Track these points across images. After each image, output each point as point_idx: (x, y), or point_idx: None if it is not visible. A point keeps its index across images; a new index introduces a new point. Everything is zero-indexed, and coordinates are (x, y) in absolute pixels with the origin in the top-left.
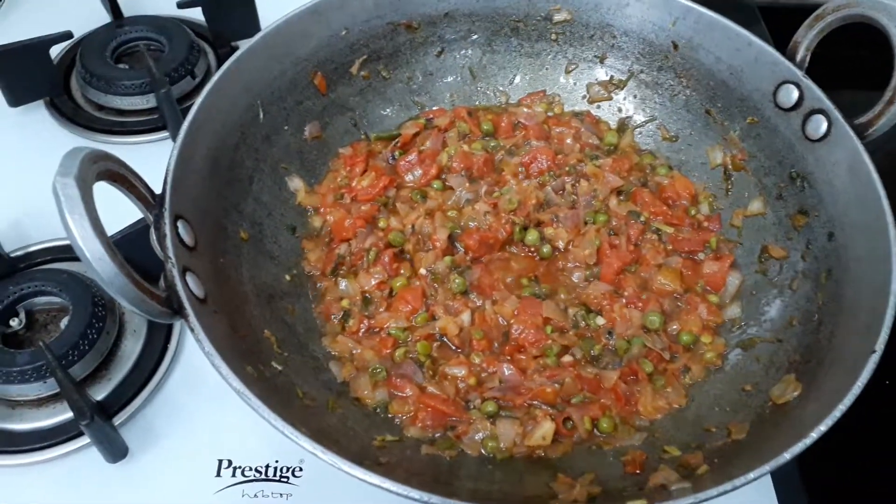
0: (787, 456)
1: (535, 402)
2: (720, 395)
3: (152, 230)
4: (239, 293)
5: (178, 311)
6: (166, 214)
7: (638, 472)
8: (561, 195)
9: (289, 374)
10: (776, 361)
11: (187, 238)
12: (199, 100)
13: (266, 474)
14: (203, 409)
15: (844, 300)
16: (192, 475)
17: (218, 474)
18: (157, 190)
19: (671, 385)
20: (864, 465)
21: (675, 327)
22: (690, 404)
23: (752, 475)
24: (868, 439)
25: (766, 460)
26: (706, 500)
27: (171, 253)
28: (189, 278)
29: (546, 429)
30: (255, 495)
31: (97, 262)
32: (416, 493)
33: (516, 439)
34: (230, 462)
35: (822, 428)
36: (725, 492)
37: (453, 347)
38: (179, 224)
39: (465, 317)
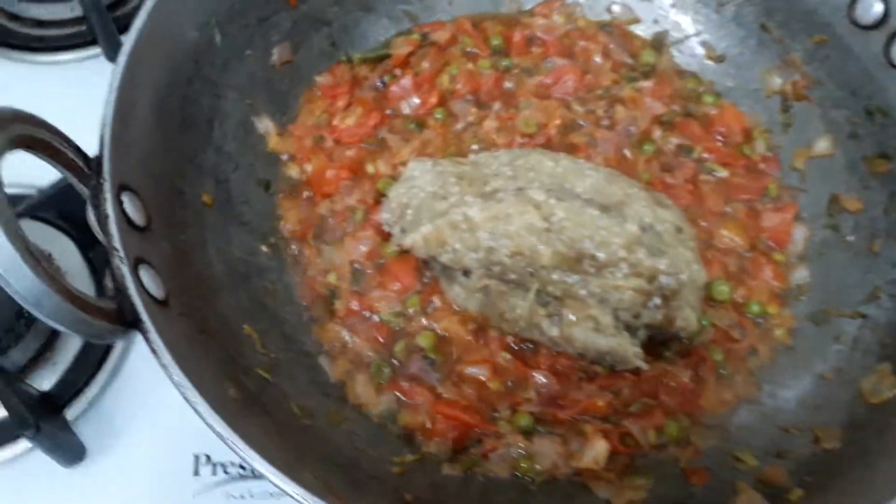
0: None
1: (584, 417)
2: (795, 384)
3: (89, 208)
4: (207, 279)
5: (134, 324)
6: (107, 186)
7: (705, 481)
8: (592, 121)
9: (279, 384)
10: (862, 343)
11: (136, 216)
12: (136, 25)
13: (254, 471)
14: (172, 394)
15: None
16: (164, 475)
17: (196, 473)
18: (92, 151)
19: (739, 371)
20: None
21: (739, 297)
22: (761, 395)
23: None
24: None
25: (885, 490)
26: None
27: (117, 242)
28: (143, 273)
29: (599, 450)
30: (242, 496)
31: (16, 278)
32: None
33: (558, 460)
34: (209, 458)
35: None
36: None
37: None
38: (125, 197)
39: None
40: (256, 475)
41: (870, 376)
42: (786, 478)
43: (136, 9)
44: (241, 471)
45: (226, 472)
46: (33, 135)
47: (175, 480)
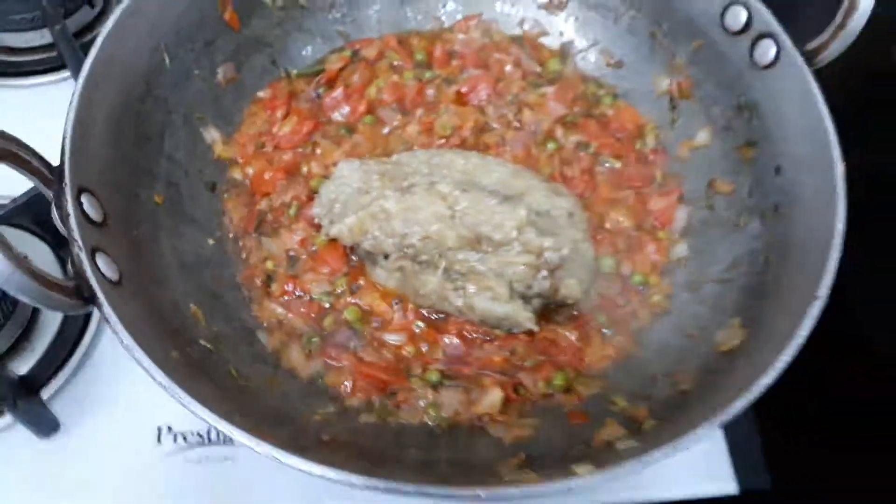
0: (733, 411)
1: (485, 372)
2: (666, 341)
3: (53, 208)
4: (159, 267)
5: (91, 300)
6: (67, 190)
7: (584, 421)
8: (503, 123)
9: (220, 351)
10: (722, 304)
11: (94, 213)
12: (92, 52)
13: (209, 438)
14: (137, 375)
15: (791, 239)
16: (130, 445)
17: (158, 441)
18: (55, 160)
19: (621, 333)
20: (816, 403)
21: (624, 270)
22: (638, 352)
23: (699, 431)
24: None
25: (712, 415)
26: (653, 462)
27: (76, 234)
28: (100, 259)
29: (494, 398)
30: (199, 461)
31: None
32: (356, 479)
33: (460, 408)
34: (170, 428)
35: (766, 381)
36: (671, 453)
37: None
38: (84, 198)
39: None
40: (211, 441)
41: (724, 329)
42: (646, 415)
43: None
44: (198, 438)
45: (185, 441)
46: (4, 147)
47: (140, 449)
